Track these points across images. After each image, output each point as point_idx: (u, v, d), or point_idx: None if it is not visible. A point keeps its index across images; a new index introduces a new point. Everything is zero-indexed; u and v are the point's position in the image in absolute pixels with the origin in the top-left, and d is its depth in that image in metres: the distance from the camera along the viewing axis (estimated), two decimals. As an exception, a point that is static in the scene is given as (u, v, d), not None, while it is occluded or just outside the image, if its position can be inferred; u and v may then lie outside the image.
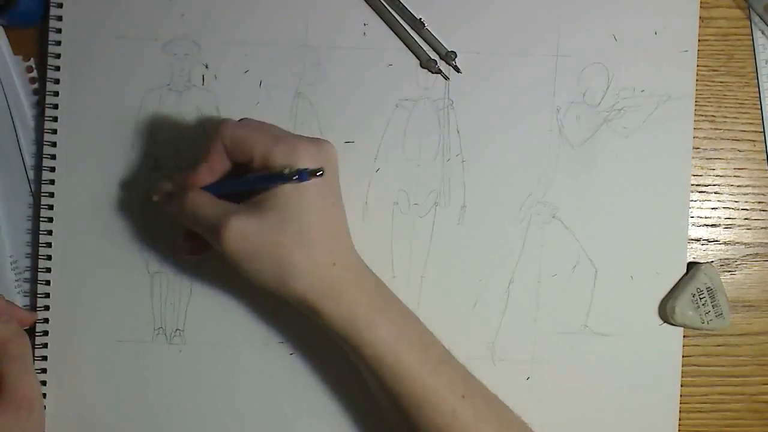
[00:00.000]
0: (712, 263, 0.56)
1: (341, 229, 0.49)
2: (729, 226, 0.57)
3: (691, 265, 0.56)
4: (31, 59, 0.56)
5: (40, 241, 0.55)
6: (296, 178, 0.45)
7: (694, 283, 0.54)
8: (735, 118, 0.56)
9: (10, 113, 0.56)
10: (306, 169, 0.45)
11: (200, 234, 0.49)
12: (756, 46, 0.56)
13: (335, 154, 0.49)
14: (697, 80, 0.56)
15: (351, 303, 0.48)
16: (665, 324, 0.55)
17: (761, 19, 0.56)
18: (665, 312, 0.55)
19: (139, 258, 0.55)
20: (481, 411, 0.49)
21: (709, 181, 0.56)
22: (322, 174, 0.45)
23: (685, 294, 0.54)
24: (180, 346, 0.55)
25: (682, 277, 0.55)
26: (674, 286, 0.55)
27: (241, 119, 0.50)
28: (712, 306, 0.54)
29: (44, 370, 0.54)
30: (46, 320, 0.54)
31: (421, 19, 0.55)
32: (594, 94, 0.56)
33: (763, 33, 0.56)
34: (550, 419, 0.54)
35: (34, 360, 0.54)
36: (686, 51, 0.56)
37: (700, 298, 0.54)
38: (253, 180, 0.48)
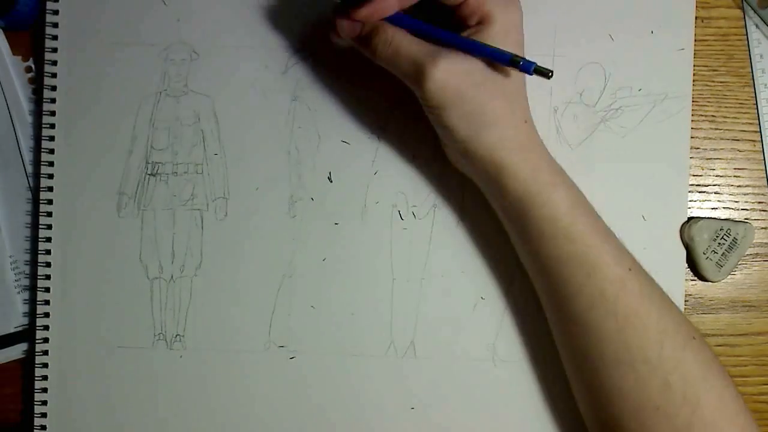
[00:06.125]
0: (755, 229, 0.56)
1: (525, 91, 0.49)
2: (729, 226, 0.56)
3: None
4: (30, 59, 0.56)
5: (39, 248, 0.55)
6: (521, 65, 0.45)
7: (731, 224, 0.54)
8: (735, 118, 0.56)
9: (10, 114, 0.56)
10: (535, 64, 0.45)
11: (397, 75, 0.48)
12: (750, 41, 0.56)
13: None
14: (696, 80, 0.56)
15: (537, 159, 0.48)
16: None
17: (755, 12, 0.55)
18: (688, 222, 0.55)
19: (138, 263, 0.55)
20: (645, 286, 0.48)
21: (709, 181, 0.56)
22: (551, 76, 0.44)
23: (716, 222, 0.54)
24: (180, 352, 0.55)
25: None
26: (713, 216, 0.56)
27: None
28: (722, 253, 0.54)
29: (45, 377, 0.55)
30: (47, 327, 0.55)
31: (416, 21, 0.55)
32: (591, 93, 0.55)
33: (757, 27, 0.55)
34: (551, 419, 0.55)
35: (34, 367, 0.54)
36: (683, 49, 0.55)
37: (722, 237, 0.54)
38: (468, 44, 0.46)
